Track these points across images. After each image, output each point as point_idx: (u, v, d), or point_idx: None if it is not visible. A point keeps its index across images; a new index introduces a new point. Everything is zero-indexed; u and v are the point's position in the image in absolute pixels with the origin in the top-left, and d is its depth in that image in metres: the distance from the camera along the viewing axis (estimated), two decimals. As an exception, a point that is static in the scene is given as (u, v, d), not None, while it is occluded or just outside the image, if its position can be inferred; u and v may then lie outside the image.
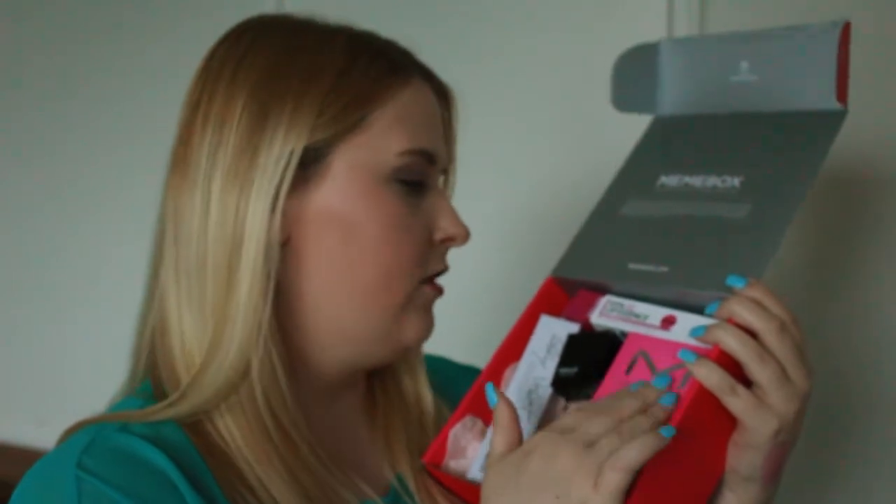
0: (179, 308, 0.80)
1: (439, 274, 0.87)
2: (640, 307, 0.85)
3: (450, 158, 0.90)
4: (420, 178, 0.84)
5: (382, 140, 0.82)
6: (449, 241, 0.87)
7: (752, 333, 0.76)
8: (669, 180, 0.92)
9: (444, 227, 0.86)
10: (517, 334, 0.89)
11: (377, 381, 0.93)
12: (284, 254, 0.80)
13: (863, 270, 1.21)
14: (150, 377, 0.83)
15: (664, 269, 0.85)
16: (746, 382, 0.76)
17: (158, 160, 0.84)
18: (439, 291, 0.87)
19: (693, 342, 0.79)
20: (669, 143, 0.96)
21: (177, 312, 0.80)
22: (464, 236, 0.87)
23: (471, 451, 0.86)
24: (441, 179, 0.90)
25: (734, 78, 0.94)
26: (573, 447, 0.70)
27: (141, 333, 0.85)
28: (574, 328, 0.88)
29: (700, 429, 0.76)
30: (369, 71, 0.82)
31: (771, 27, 0.92)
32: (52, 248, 1.70)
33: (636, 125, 1.21)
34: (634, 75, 0.99)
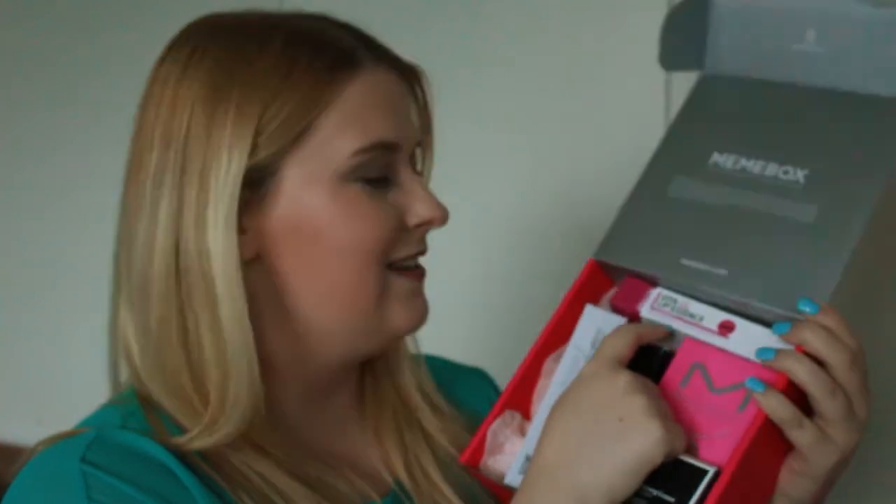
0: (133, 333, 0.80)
1: (412, 258, 0.84)
2: (695, 307, 0.82)
3: (424, 133, 0.87)
4: (382, 173, 0.81)
5: (333, 144, 0.78)
6: (425, 225, 0.84)
7: (820, 362, 0.74)
8: (723, 160, 0.86)
9: (418, 212, 0.83)
10: (560, 322, 0.85)
11: (368, 377, 0.91)
12: (258, 271, 0.79)
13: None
14: (135, 384, 0.81)
15: (722, 271, 0.81)
16: (807, 409, 0.74)
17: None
18: (415, 276, 0.84)
19: (755, 359, 0.76)
20: (721, 109, 0.90)
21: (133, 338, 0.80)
22: (440, 217, 0.83)
23: (508, 446, 0.84)
24: (418, 153, 0.86)
25: (797, 46, 0.87)
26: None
27: (114, 347, 0.82)
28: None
29: (760, 454, 0.75)
30: (309, 73, 0.78)
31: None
32: (53, 248, 1.70)
33: (636, 122, 1.15)
34: (684, 31, 0.92)
